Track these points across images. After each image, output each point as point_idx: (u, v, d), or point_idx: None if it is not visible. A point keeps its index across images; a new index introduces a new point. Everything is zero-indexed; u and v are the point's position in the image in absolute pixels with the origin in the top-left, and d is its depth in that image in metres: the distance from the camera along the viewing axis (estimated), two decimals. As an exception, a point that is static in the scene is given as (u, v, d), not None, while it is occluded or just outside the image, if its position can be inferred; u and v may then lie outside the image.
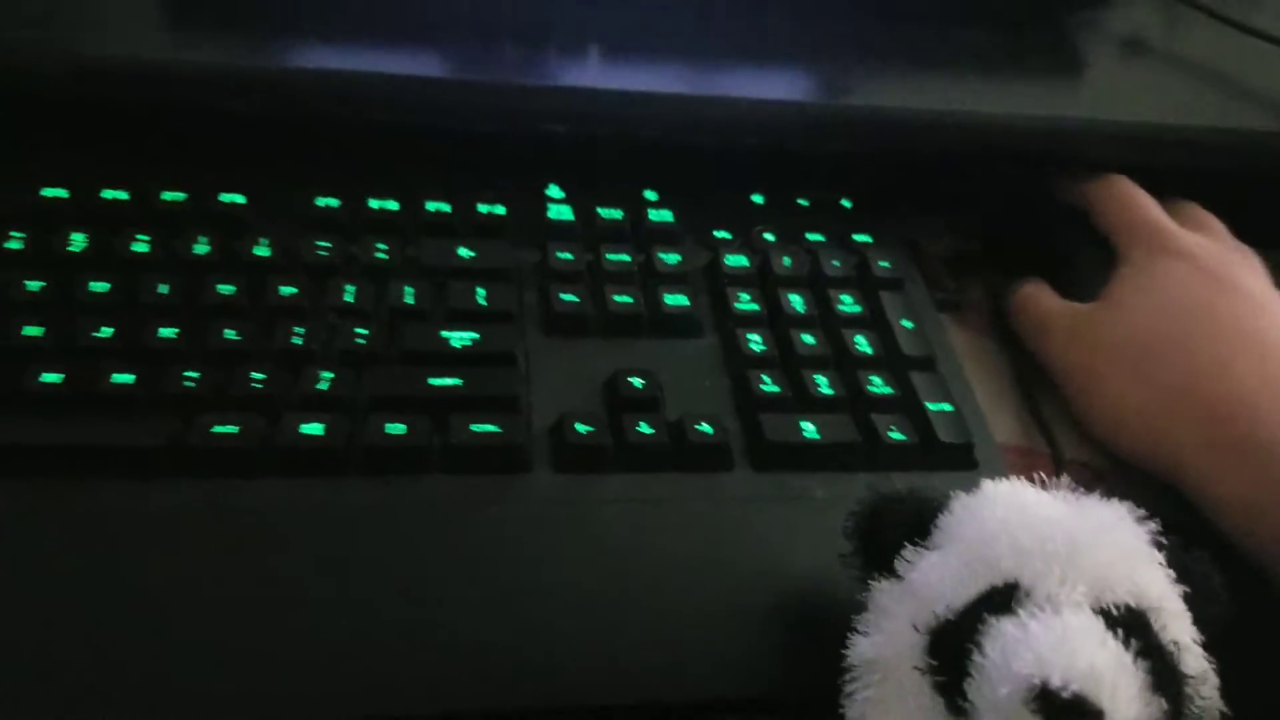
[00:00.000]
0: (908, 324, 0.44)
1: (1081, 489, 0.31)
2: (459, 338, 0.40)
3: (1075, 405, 0.45)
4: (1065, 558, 0.28)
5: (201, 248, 0.40)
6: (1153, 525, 0.30)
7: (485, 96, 0.43)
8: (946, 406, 0.41)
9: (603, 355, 0.41)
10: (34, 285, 0.37)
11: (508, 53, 0.45)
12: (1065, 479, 0.32)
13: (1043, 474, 0.32)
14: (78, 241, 0.39)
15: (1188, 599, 0.29)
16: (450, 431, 0.36)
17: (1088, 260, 0.49)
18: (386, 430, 0.36)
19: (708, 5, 0.50)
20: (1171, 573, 0.29)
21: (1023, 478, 0.32)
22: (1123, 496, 0.31)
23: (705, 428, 0.38)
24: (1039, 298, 0.47)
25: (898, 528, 0.32)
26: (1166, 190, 0.48)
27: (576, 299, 0.42)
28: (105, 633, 0.31)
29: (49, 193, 0.40)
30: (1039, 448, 0.45)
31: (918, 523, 0.32)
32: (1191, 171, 0.50)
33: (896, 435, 0.39)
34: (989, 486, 0.31)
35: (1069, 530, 0.29)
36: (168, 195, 0.41)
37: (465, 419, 0.37)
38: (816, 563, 0.34)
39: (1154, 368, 0.42)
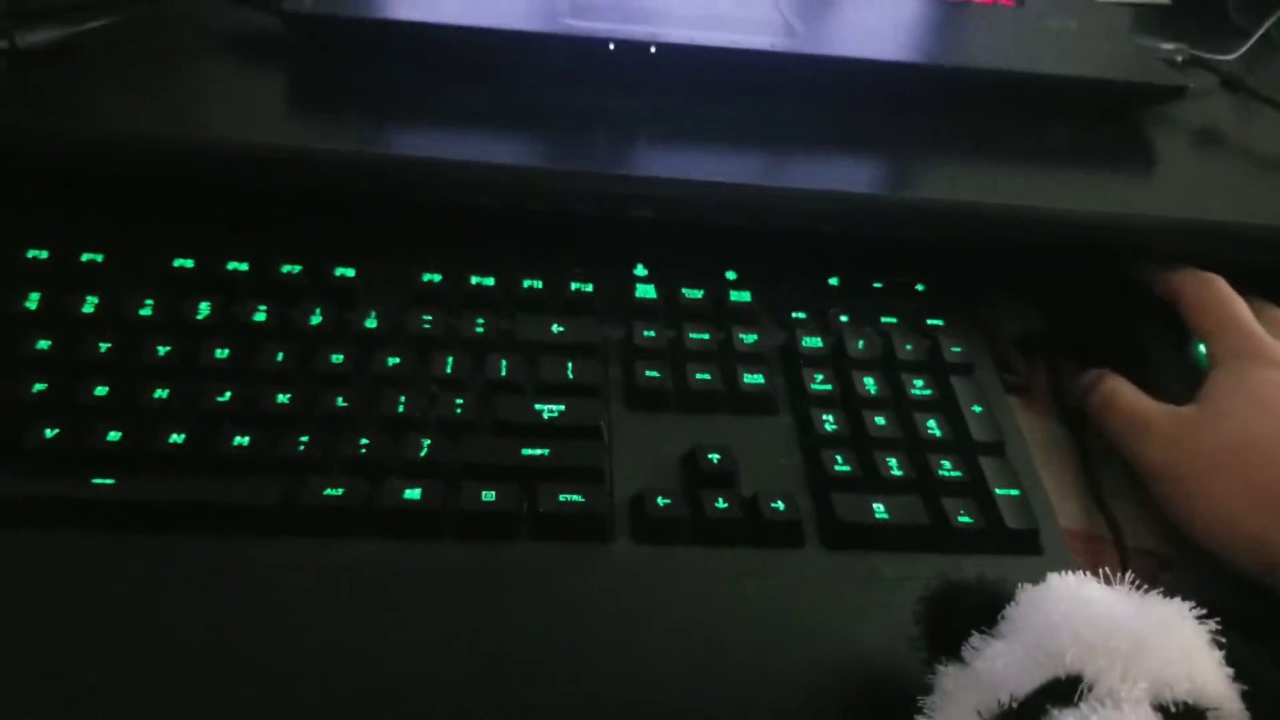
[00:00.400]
0: (977, 409, 0.45)
1: (1146, 581, 0.32)
2: (548, 410, 0.42)
3: (1173, 506, 0.45)
4: (1127, 654, 0.29)
5: (315, 318, 0.43)
6: (1212, 624, 0.31)
7: (578, 183, 0.46)
8: (1014, 492, 0.42)
9: (682, 429, 0.44)
10: (163, 350, 0.41)
11: (600, 142, 0.47)
12: (1129, 574, 0.33)
13: (1106, 569, 0.33)
14: (203, 310, 0.42)
15: (1246, 697, 0.30)
16: (538, 500, 0.39)
17: (1160, 350, 0.50)
18: (480, 497, 0.38)
19: (788, 99, 0.52)
20: (1230, 671, 0.30)
21: (1087, 571, 0.33)
22: (1188, 585, 0.32)
23: (779, 504, 0.40)
24: (1128, 395, 0.48)
25: (965, 615, 0.33)
26: (1230, 283, 0.49)
27: (658, 375, 0.45)
28: (219, 681, 0.33)
29: (178, 263, 0.44)
30: (1102, 532, 0.46)
31: (985, 611, 0.33)
32: (1263, 266, 0.51)
33: (965, 519, 0.41)
34: (1054, 580, 0.33)
35: (1132, 627, 0.30)
36: (286, 268, 0.45)
37: (553, 488, 0.39)
38: (884, 643, 0.36)
39: (1258, 473, 0.42)
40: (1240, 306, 0.47)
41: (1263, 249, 0.50)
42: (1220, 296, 0.47)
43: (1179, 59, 0.62)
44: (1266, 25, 0.70)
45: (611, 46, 0.51)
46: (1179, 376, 0.48)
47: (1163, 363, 0.50)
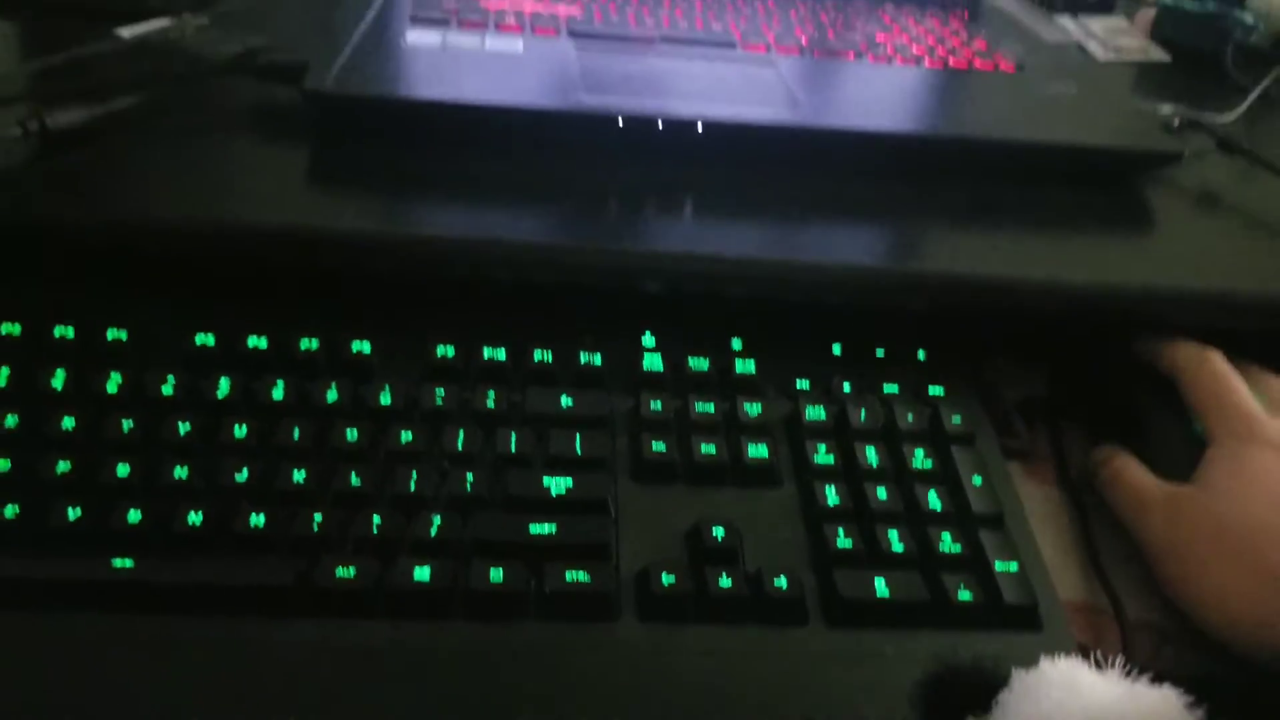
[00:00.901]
0: (977, 480, 0.46)
1: (1147, 655, 0.33)
2: (557, 485, 0.43)
3: (1174, 587, 0.45)
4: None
5: (332, 394, 0.44)
6: (1200, 713, 0.32)
7: (588, 258, 0.47)
8: (1013, 566, 0.43)
9: (688, 502, 0.45)
10: (184, 428, 0.42)
11: (608, 217, 0.49)
12: (1121, 658, 0.34)
13: (1099, 653, 0.34)
14: (224, 387, 0.44)
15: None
16: (545, 579, 0.40)
17: (1162, 420, 0.51)
18: (489, 576, 0.39)
19: (793, 169, 0.53)
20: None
21: (1079, 655, 0.34)
22: (1188, 659, 0.32)
23: (782, 582, 0.41)
24: (1133, 473, 0.49)
25: (961, 699, 0.34)
26: (1230, 349, 0.50)
27: (665, 448, 0.46)
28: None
29: (200, 339, 0.45)
30: (1103, 604, 0.47)
31: (980, 694, 0.34)
32: (1262, 332, 0.51)
33: (964, 595, 0.42)
34: (1047, 666, 0.34)
35: (1122, 715, 0.31)
36: (304, 343, 0.46)
37: (559, 566, 0.40)
38: (883, 722, 0.36)
39: (1256, 556, 0.43)
40: (1236, 384, 0.47)
41: (1261, 315, 0.51)
42: (1216, 373, 0.48)
43: (1176, 122, 0.63)
44: (1264, 84, 0.71)
45: (621, 121, 0.52)
46: (1181, 448, 0.49)
47: (1164, 433, 0.51)
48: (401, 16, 0.61)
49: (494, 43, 0.59)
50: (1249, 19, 0.76)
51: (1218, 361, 0.48)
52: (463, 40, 0.59)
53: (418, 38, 0.59)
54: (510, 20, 0.63)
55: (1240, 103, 0.67)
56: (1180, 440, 0.49)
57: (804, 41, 0.65)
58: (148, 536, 0.38)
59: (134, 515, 0.39)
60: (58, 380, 0.43)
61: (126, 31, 0.60)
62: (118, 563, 0.37)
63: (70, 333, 0.45)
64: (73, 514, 0.38)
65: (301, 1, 0.68)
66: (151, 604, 0.37)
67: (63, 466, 0.40)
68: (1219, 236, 0.55)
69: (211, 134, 0.51)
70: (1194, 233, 0.55)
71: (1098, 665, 0.34)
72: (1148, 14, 0.84)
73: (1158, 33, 0.82)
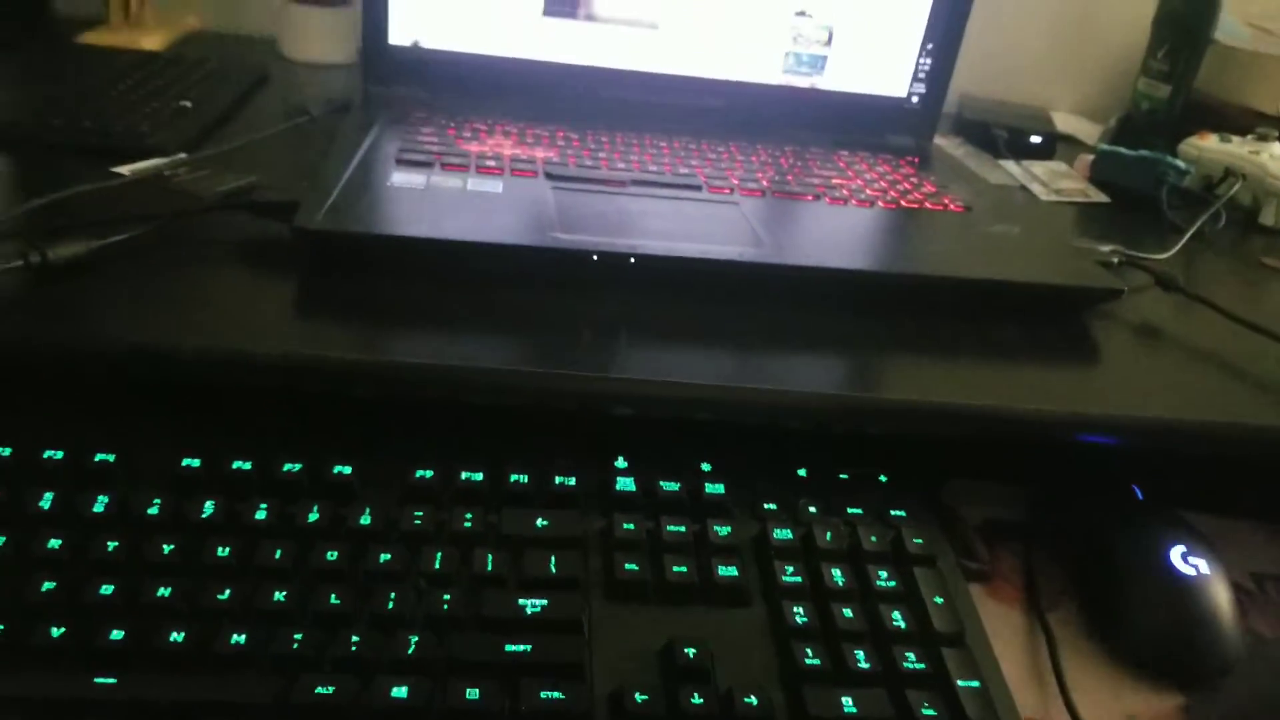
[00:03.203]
0: (939, 600, 0.48)
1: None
2: (531, 604, 0.44)
3: None
4: None
5: (313, 515, 0.45)
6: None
7: (562, 384, 0.49)
8: (975, 684, 0.44)
9: (660, 621, 0.46)
10: (167, 548, 0.43)
11: (581, 345, 0.51)
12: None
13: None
14: (208, 509, 0.45)
15: None
16: (520, 698, 0.40)
17: (1128, 550, 0.53)
18: (464, 695, 0.40)
19: (757, 303, 0.57)
20: None
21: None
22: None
23: (752, 700, 0.42)
24: None
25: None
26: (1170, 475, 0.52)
27: (637, 567, 0.47)
28: None
29: (186, 462, 0.47)
30: (1061, 721, 0.48)
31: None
32: (1199, 458, 0.54)
33: (928, 712, 0.43)
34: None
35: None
36: (287, 466, 0.47)
37: (534, 685, 0.41)
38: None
39: None
40: None
41: (1202, 442, 0.54)
42: None
43: (1116, 260, 0.67)
44: (1198, 224, 0.76)
45: (595, 258, 0.55)
46: (1149, 578, 0.52)
47: (1135, 564, 0.53)
48: (387, 159, 0.65)
49: (475, 184, 0.63)
50: (1181, 164, 0.82)
51: None
52: (445, 181, 0.63)
53: (403, 179, 0.62)
54: (490, 163, 0.66)
55: (1175, 242, 0.72)
56: (1151, 569, 0.52)
57: (765, 184, 0.70)
58: (130, 654, 0.39)
59: (116, 634, 0.39)
60: (45, 501, 0.44)
61: (123, 169, 0.63)
62: (100, 680, 0.38)
63: (60, 455, 0.46)
64: (56, 632, 0.39)
65: (287, 143, 0.72)
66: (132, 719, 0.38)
67: (47, 585, 0.41)
68: (1160, 368, 0.58)
69: (204, 266, 0.54)
70: (1136, 364, 0.58)
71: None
72: (1086, 159, 0.90)
73: (1097, 176, 0.87)
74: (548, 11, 0.79)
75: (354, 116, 0.74)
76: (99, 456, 0.46)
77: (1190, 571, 0.52)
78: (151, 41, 0.92)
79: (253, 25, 1.00)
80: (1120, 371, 0.57)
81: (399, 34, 0.79)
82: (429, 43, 0.80)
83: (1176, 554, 0.52)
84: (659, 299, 0.56)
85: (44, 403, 0.49)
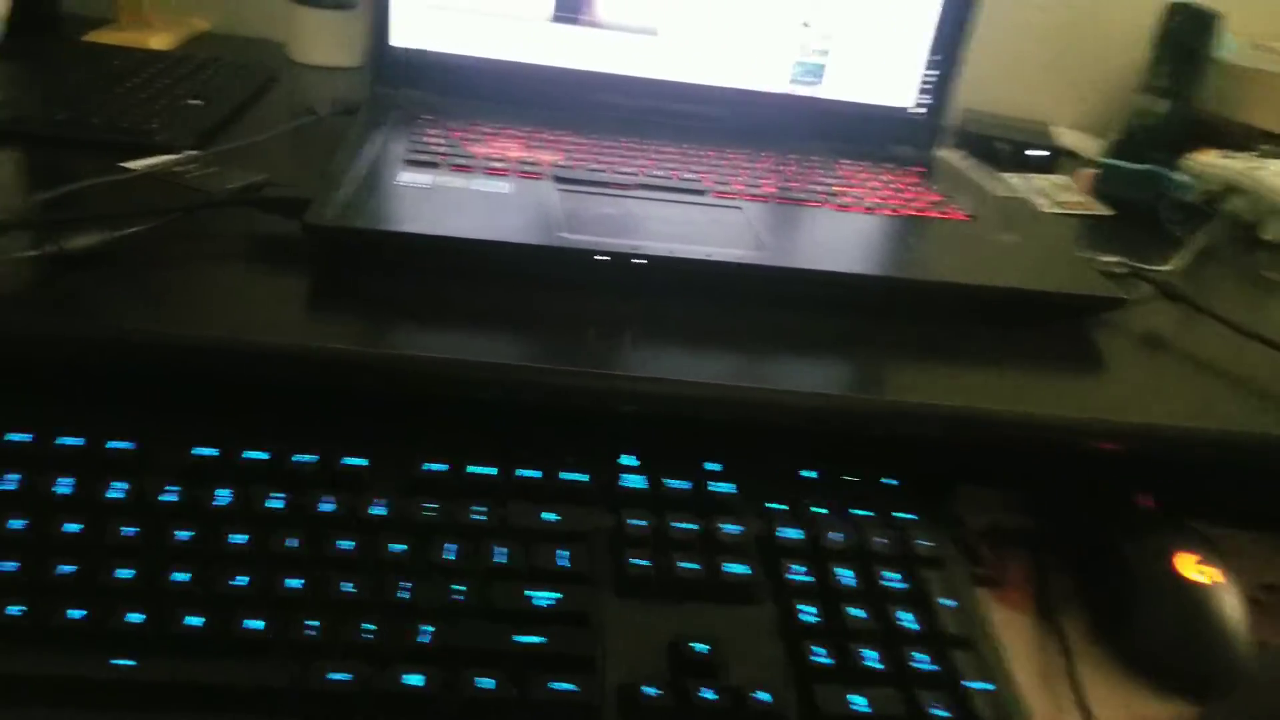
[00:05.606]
0: (948, 602, 0.48)
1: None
2: (542, 597, 0.44)
3: None
4: None
5: (327, 504, 0.46)
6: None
7: (570, 381, 0.49)
8: (987, 685, 0.45)
9: (668, 617, 0.46)
10: (184, 535, 0.43)
11: (587, 343, 0.52)
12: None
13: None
14: (223, 497, 0.45)
15: None
16: (530, 688, 0.41)
17: (1140, 558, 0.54)
18: (476, 684, 0.40)
19: (760, 305, 0.57)
20: None
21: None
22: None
23: (763, 695, 0.42)
24: None
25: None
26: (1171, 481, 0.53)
27: (646, 563, 0.47)
28: None
29: (199, 451, 0.47)
30: (1073, 728, 0.48)
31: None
32: (1201, 465, 0.55)
33: (940, 713, 0.43)
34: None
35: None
36: (300, 457, 0.47)
37: (545, 676, 0.41)
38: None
39: None
40: None
41: (1204, 449, 0.54)
42: None
43: (1119, 270, 0.68)
44: (1199, 237, 0.77)
45: (601, 257, 0.56)
46: (1159, 586, 0.52)
47: (1141, 572, 0.53)
48: (395, 159, 0.65)
49: (482, 185, 0.63)
50: (1184, 178, 0.83)
51: None
52: (453, 182, 0.63)
53: (411, 179, 0.62)
54: (498, 165, 0.67)
55: (1177, 255, 0.73)
56: (1161, 575, 0.52)
57: (769, 190, 0.70)
58: (147, 637, 0.39)
59: (135, 616, 0.39)
60: (64, 486, 0.44)
61: (132, 165, 0.63)
62: (118, 661, 0.38)
63: (78, 442, 0.46)
64: (74, 614, 0.39)
65: (295, 143, 0.73)
66: (149, 703, 0.38)
67: (65, 569, 0.41)
68: (1163, 377, 0.59)
69: (216, 260, 0.54)
70: (1140, 373, 0.59)
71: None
72: (1087, 173, 0.91)
73: (1099, 189, 0.88)
74: (556, 17, 0.80)
75: (361, 118, 0.74)
76: (116, 444, 0.46)
77: (1201, 579, 0.52)
78: (160, 41, 0.93)
79: (261, 28, 1.01)
80: (1124, 379, 0.58)
81: (406, 37, 0.80)
82: (436, 46, 0.80)
83: (1187, 562, 0.53)
84: (664, 300, 0.56)
85: (62, 391, 0.49)
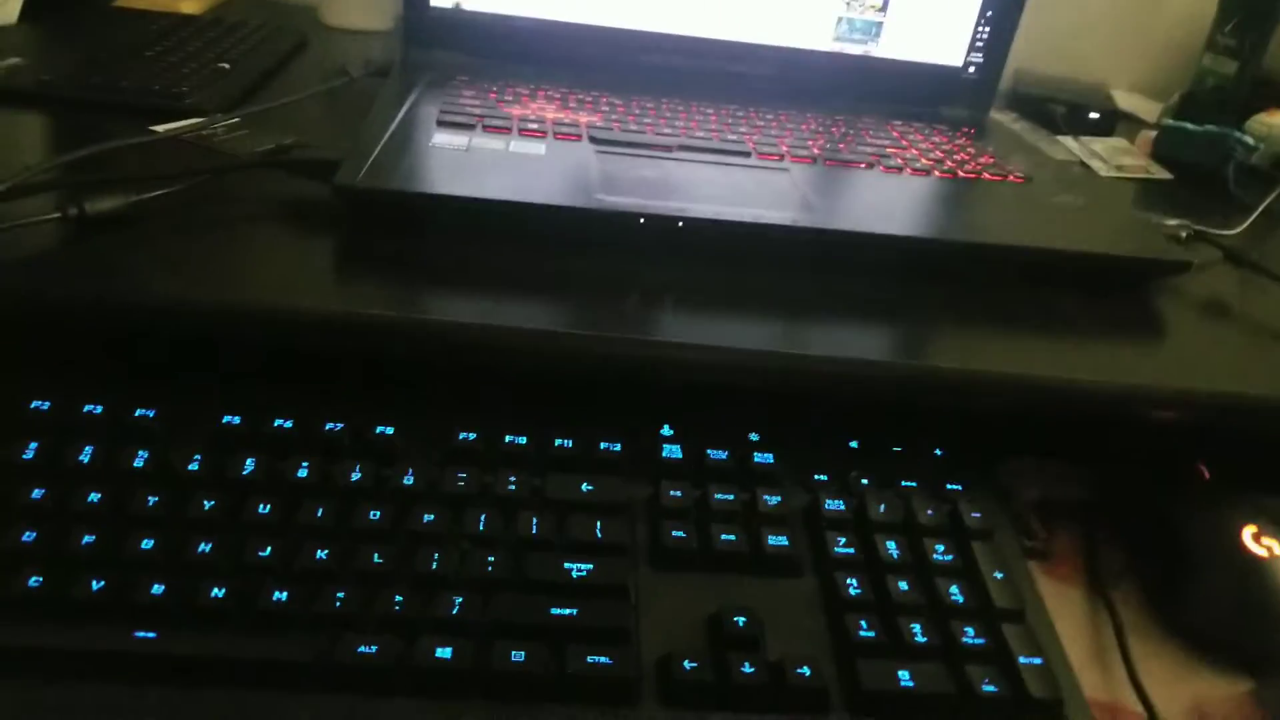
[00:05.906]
0: (998, 575, 0.46)
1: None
2: (577, 569, 0.43)
3: None
4: None
5: (355, 475, 0.44)
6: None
7: (608, 348, 0.48)
8: (1037, 660, 0.43)
9: (707, 590, 0.44)
10: (208, 505, 0.42)
11: (625, 309, 0.50)
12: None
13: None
14: (248, 466, 0.44)
15: None
16: (566, 661, 0.39)
17: (1203, 532, 0.52)
18: (509, 657, 0.39)
19: (807, 270, 0.55)
20: None
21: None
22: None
23: (805, 670, 0.40)
24: None
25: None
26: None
27: (684, 535, 0.46)
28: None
29: (226, 419, 0.46)
30: (1125, 703, 0.46)
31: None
32: (1268, 435, 0.52)
33: (989, 688, 0.41)
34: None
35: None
36: (329, 425, 0.46)
37: (580, 650, 0.40)
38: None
39: None
40: None
41: (1267, 420, 0.51)
42: None
43: (1183, 234, 0.65)
44: (1268, 201, 0.73)
45: (642, 220, 0.54)
46: (1218, 558, 0.50)
47: (1200, 544, 0.51)
48: (428, 120, 0.64)
49: (518, 146, 0.62)
50: (1250, 140, 0.79)
51: None
52: (488, 143, 0.61)
53: (445, 140, 0.61)
54: (533, 126, 0.65)
55: (1243, 219, 0.69)
56: (1220, 550, 0.50)
57: (816, 151, 0.68)
58: (171, 609, 0.38)
59: (157, 588, 0.38)
60: (85, 455, 0.43)
61: (161, 128, 0.62)
62: (140, 634, 0.37)
63: (99, 410, 0.45)
64: (96, 585, 0.38)
65: (326, 106, 0.71)
66: (172, 675, 0.37)
67: (87, 539, 0.40)
68: (1228, 344, 0.56)
69: (244, 224, 0.53)
70: (1203, 339, 0.56)
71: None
72: (1148, 135, 0.87)
73: (1159, 152, 0.85)
74: (593, -25, 0.78)
75: (394, 79, 0.73)
76: (139, 411, 0.45)
77: (1261, 553, 0.50)
78: (190, 5, 0.91)
79: (292, -8, 1.00)
80: (1187, 346, 0.55)
81: (441, -4, 0.78)
82: (471, 5, 0.78)
83: (1247, 534, 0.50)
84: (706, 265, 0.54)
85: (84, 358, 0.48)
